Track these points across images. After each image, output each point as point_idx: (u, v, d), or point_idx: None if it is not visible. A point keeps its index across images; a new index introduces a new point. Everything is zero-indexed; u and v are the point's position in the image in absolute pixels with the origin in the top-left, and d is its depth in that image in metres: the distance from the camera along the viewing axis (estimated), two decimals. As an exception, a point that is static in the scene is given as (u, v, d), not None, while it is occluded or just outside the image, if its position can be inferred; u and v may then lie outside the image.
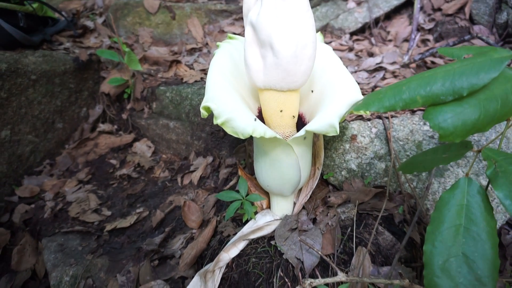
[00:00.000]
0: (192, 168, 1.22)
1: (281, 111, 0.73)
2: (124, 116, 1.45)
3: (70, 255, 0.98)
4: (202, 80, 1.35)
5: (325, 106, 0.70)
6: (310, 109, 0.80)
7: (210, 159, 1.21)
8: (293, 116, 0.75)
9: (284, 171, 0.73)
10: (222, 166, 1.17)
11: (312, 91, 0.79)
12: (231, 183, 1.08)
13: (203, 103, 0.67)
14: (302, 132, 0.65)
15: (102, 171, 1.33)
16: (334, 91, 0.72)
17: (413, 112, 0.94)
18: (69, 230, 1.07)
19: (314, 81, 0.80)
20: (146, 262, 0.91)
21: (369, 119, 0.91)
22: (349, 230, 0.77)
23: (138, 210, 1.10)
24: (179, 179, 1.20)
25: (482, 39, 1.09)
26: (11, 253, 1.12)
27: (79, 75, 1.43)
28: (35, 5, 1.47)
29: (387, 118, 0.91)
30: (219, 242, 0.85)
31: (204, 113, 0.68)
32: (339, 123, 0.64)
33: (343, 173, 0.88)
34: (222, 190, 1.08)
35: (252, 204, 0.82)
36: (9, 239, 1.17)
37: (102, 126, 1.44)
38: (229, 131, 0.64)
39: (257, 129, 0.62)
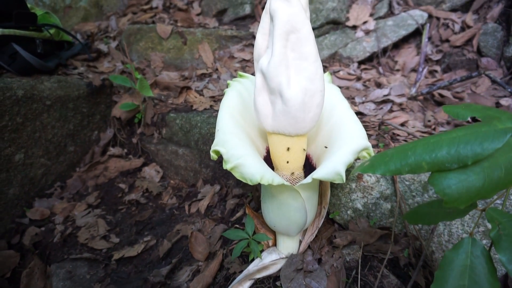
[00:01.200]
0: (199, 196, 1.24)
1: (289, 154, 0.75)
2: (134, 140, 1.48)
3: (78, 283, 1.00)
4: (212, 108, 1.37)
5: (332, 152, 0.71)
6: (317, 151, 0.82)
7: (217, 187, 1.23)
8: (300, 158, 0.77)
9: (291, 214, 0.74)
10: (229, 196, 1.18)
11: (320, 138, 0.80)
12: (238, 214, 1.09)
13: (213, 147, 0.70)
14: (309, 179, 0.66)
15: (111, 195, 1.36)
16: (340, 137, 0.74)
17: (419, 151, 0.95)
18: (77, 257, 1.08)
19: (321, 124, 0.81)
20: (153, 294, 0.92)
21: (375, 158, 0.92)
22: (354, 272, 0.78)
23: (145, 239, 1.11)
24: (186, 207, 1.22)
25: (490, 77, 1.10)
26: (20, 275, 1.14)
27: (92, 100, 1.47)
28: (52, 31, 1.51)
29: (393, 157, 0.92)
30: (225, 278, 0.86)
31: (214, 156, 0.70)
32: (346, 170, 0.65)
33: (348, 212, 0.89)
34: (228, 221, 1.10)
35: (259, 242, 0.84)
36: (18, 262, 1.19)
37: (112, 150, 1.47)
38: (238, 176, 0.65)
39: (265, 177, 0.64)
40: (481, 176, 0.46)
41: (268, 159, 0.82)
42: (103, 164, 1.45)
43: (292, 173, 0.77)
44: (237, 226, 1.04)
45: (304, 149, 0.76)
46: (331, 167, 0.66)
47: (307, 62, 0.67)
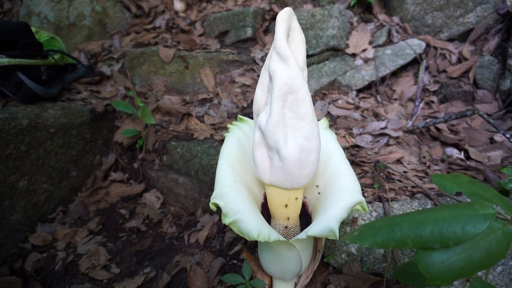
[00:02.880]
0: (199, 226, 1.27)
1: (285, 205, 0.78)
2: (135, 165, 1.51)
3: (79, 316, 1.03)
4: (212, 138, 1.40)
5: (326, 208, 0.74)
6: (313, 200, 0.84)
7: (216, 218, 1.26)
8: (297, 209, 0.80)
9: (286, 264, 0.77)
10: (228, 227, 1.21)
11: (317, 187, 0.83)
12: (236, 248, 1.12)
13: (212, 199, 0.72)
14: (303, 236, 0.69)
15: (112, 221, 1.39)
16: (335, 190, 0.77)
17: (412, 195, 0.98)
18: (78, 288, 1.11)
19: (317, 174, 0.84)
20: (151, 330, 0.94)
21: (369, 202, 0.95)
22: (346, 318, 0.81)
23: (145, 270, 1.14)
24: (186, 237, 1.24)
25: (483, 117, 1.13)
26: (21, 302, 1.17)
27: (94, 125, 1.50)
28: (56, 56, 1.55)
29: (387, 200, 0.95)
30: (221, 319, 0.89)
31: (213, 208, 0.73)
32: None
33: (343, 256, 0.91)
34: (227, 255, 1.12)
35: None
36: (20, 288, 1.22)
37: (114, 175, 1.50)
38: (235, 230, 0.68)
39: (262, 234, 0.66)
40: (462, 257, 0.49)
41: (266, 205, 0.85)
42: (105, 189, 1.48)
43: (288, 222, 0.80)
44: (235, 262, 1.07)
45: (300, 201, 0.78)
46: (325, 224, 0.68)
47: (304, 122, 0.70)
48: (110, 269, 1.18)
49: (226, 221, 0.68)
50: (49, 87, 1.44)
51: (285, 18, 0.69)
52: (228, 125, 0.92)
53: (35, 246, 1.31)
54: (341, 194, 0.75)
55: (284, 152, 0.70)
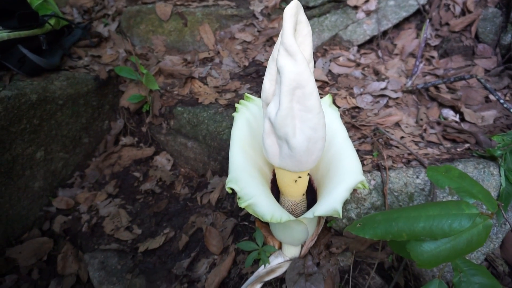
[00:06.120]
0: (209, 188, 1.37)
1: (293, 184, 0.86)
2: (144, 129, 1.56)
3: (112, 274, 1.17)
4: (217, 102, 1.44)
5: (331, 188, 0.82)
6: (317, 176, 0.93)
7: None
8: (303, 186, 0.88)
9: (294, 234, 0.88)
10: (237, 190, 1.31)
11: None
12: (245, 210, 1.23)
13: (227, 184, 0.81)
14: (310, 215, 0.78)
15: (128, 184, 1.49)
16: (338, 172, 0.84)
17: (408, 163, 1.06)
18: (107, 248, 1.24)
19: (322, 154, 0.91)
20: (177, 285, 1.09)
21: (368, 171, 1.04)
22: (346, 275, 0.94)
23: (165, 231, 1.27)
24: (198, 198, 1.35)
25: (481, 82, 1.16)
26: (55, 258, 1.31)
27: (100, 92, 1.53)
28: (52, 21, 1.51)
29: (384, 169, 1.03)
30: (239, 276, 1.02)
31: (229, 191, 0.82)
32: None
33: (344, 220, 1.02)
34: (238, 215, 1.24)
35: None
36: (52, 247, 1.36)
37: (124, 140, 1.56)
38: (251, 212, 0.77)
39: (274, 216, 0.75)
40: (448, 247, 0.58)
41: (275, 181, 0.94)
42: (117, 153, 1.55)
43: (296, 197, 0.89)
44: (246, 223, 1.19)
45: (307, 180, 0.87)
46: (330, 205, 0.77)
47: (311, 114, 0.75)
48: (133, 230, 1.30)
49: (242, 204, 0.77)
50: (51, 56, 1.44)
51: (293, 13, 0.70)
52: (236, 105, 0.96)
53: (59, 210, 1.43)
54: (344, 175, 0.83)
55: (292, 142, 0.76)
